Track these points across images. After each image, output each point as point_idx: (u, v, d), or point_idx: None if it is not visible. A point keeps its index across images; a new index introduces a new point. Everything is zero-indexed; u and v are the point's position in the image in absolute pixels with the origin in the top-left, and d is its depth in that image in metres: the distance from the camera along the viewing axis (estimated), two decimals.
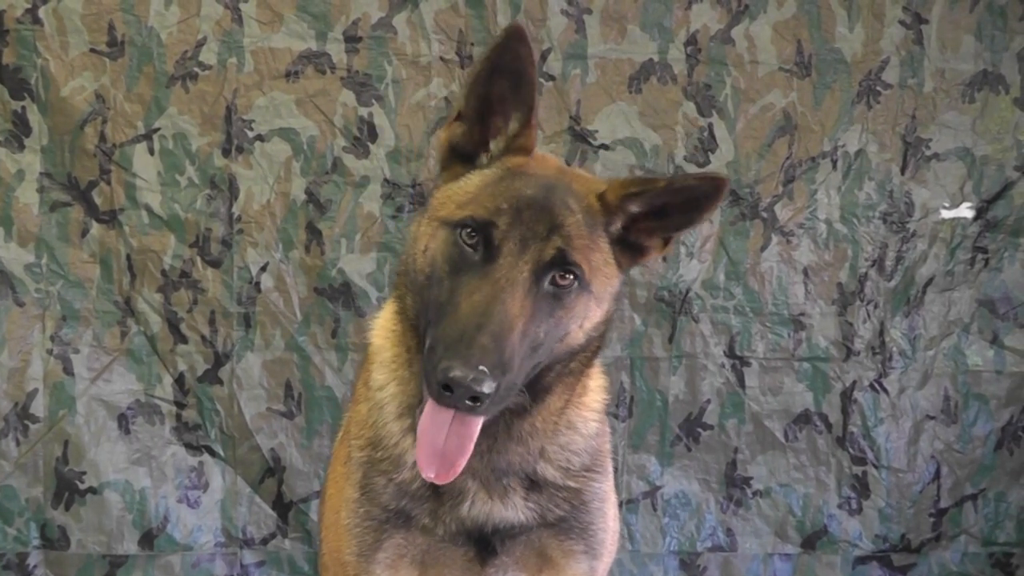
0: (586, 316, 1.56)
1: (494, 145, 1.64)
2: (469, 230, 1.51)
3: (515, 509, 1.67)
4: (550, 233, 1.50)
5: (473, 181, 1.60)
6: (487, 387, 1.37)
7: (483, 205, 1.52)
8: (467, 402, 1.38)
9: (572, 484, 1.71)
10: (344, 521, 1.70)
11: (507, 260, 1.47)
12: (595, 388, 1.78)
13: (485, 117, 1.63)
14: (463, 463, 1.49)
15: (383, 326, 1.78)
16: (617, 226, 1.61)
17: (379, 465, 1.69)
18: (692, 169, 3.17)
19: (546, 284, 1.50)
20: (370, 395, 1.74)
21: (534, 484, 1.69)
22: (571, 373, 1.65)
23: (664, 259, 3.21)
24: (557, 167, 1.69)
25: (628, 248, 1.64)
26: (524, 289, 1.46)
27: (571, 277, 1.51)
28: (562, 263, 1.50)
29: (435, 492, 1.66)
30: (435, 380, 1.39)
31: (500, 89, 1.59)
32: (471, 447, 1.50)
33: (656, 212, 1.61)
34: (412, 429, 1.67)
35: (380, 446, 1.70)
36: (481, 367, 1.37)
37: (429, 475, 1.50)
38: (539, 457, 1.68)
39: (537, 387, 1.59)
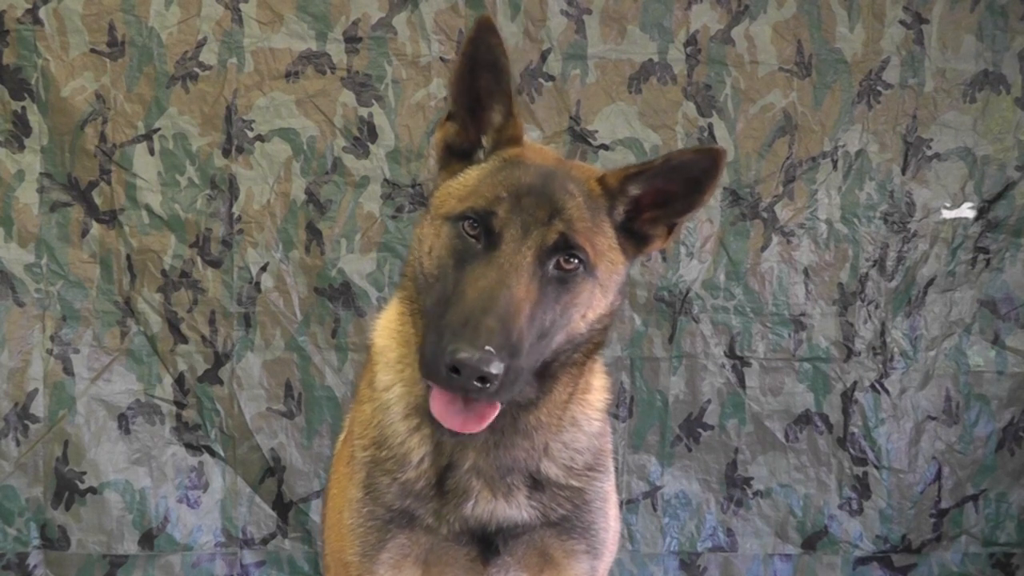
0: (590, 305, 1.56)
1: (486, 140, 1.65)
2: (471, 221, 1.52)
3: (519, 507, 1.67)
4: (551, 218, 1.50)
5: (471, 175, 1.61)
6: (495, 368, 1.37)
7: (482, 196, 1.53)
8: (475, 383, 1.38)
9: (575, 483, 1.71)
10: (347, 521, 1.70)
11: (510, 246, 1.48)
12: (598, 387, 1.78)
13: (476, 113, 1.64)
14: (493, 412, 1.48)
15: (386, 326, 1.77)
16: (620, 211, 1.62)
17: (383, 464, 1.68)
18: None
19: (551, 269, 1.50)
20: (375, 396, 1.73)
21: (537, 483, 1.69)
22: (575, 363, 1.65)
23: (664, 259, 3.21)
24: (555, 157, 1.71)
25: (633, 237, 1.64)
26: (528, 273, 1.47)
27: (576, 261, 1.52)
28: (565, 247, 1.51)
29: (439, 491, 1.66)
30: (443, 364, 1.38)
31: (486, 83, 1.60)
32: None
33: (659, 199, 1.61)
34: (419, 429, 1.67)
35: (385, 445, 1.69)
36: (488, 347, 1.37)
37: (454, 426, 1.46)
38: (543, 454, 1.68)
39: (543, 377, 1.59)
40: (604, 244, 1.57)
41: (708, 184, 1.59)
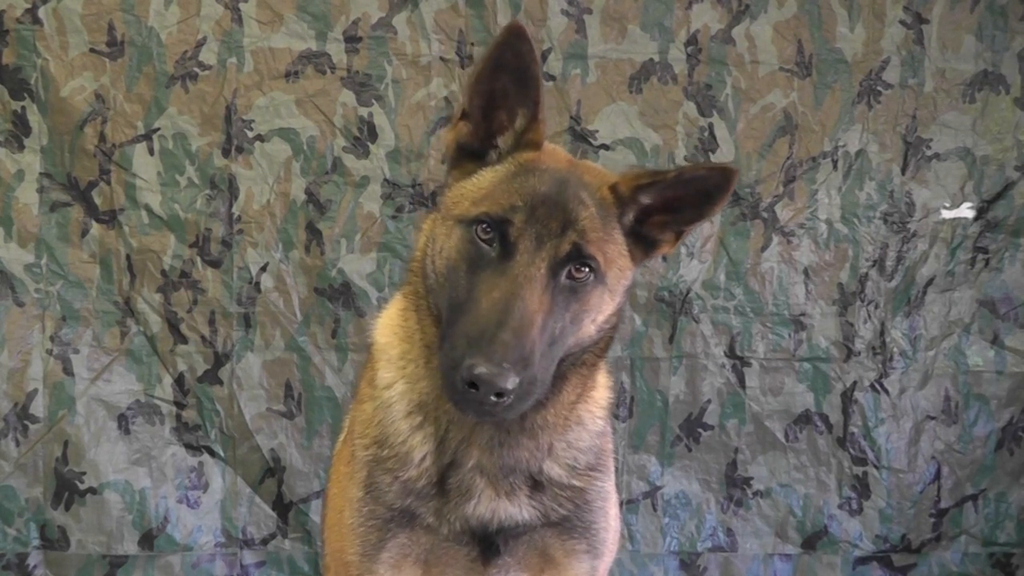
0: (600, 310, 1.58)
1: (502, 141, 1.65)
2: (484, 226, 1.53)
3: (520, 507, 1.67)
4: (564, 229, 1.52)
5: (486, 178, 1.61)
6: (511, 383, 1.40)
7: (497, 202, 1.54)
8: (492, 398, 1.41)
9: (576, 483, 1.71)
10: (348, 521, 1.69)
11: (524, 257, 1.49)
12: (602, 384, 1.79)
13: (489, 113, 1.64)
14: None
15: (388, 323, 1.77)
16: (630, 218, 1.63)
17: (385, 463, 1.68)
18: None
19: (563, 278, 1.52)
20: (376, 394, 1.73)
21: (538, 484, 1.69)
22: (584, 364, 1.66)
23: (664, 259, 3.21)
24: (568, 160, 1.70)
25: (641, 241, 1.66)
26: (542, 285, 1.49)
27: (587, 270, 1.53)
28: (578, 257, 1.52)
29: (441, 490, 1.66)
30: (459, 378, 1.41)
31: (502, 85, 1.60)
32: None
33: (668, 206, 1.63)
34: (421, 427, 1.67)
35: (386, 444, 1.69)
36: (505, 364, 1.40)
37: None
38: (547, 454, 1.68)
39: (554, 378, 1.59)
40: (614, 251, 1.59)
41: (718, 198, 1.62)
